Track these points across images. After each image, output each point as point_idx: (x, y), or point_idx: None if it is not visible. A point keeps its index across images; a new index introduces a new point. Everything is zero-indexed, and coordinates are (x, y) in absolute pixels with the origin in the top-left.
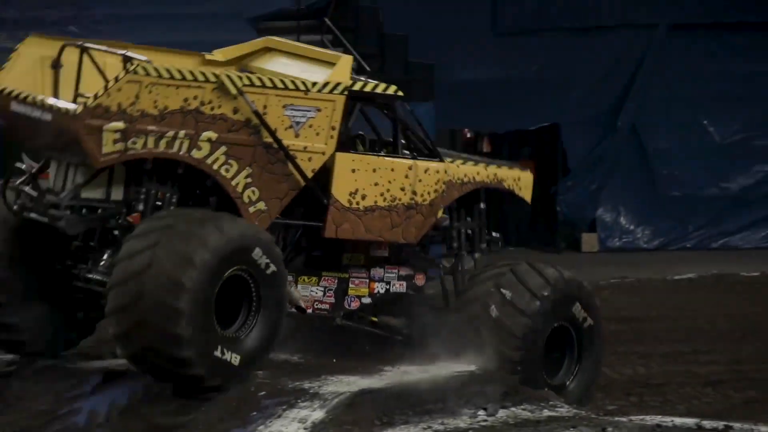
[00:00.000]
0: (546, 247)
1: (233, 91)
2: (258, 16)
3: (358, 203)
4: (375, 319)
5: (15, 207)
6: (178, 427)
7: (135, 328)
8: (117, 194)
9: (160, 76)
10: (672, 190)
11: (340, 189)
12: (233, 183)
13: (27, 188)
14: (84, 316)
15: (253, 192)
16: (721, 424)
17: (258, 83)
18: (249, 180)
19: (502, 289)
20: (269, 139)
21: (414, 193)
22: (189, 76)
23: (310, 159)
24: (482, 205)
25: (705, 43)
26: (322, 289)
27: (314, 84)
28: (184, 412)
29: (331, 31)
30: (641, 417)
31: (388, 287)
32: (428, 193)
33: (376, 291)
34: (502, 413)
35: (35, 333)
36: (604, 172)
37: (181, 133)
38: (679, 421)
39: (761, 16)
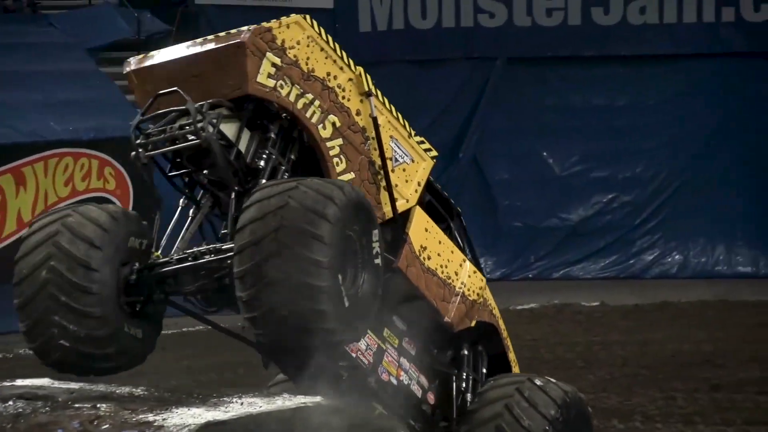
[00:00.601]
0: None
1: (365, 88)
2: (98, 47)
3: (424, 259)
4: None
5: (147, 146)
6: None
7: (269, 285)
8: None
9: (320, 34)
10: (513, 221)
11: (415, 237)
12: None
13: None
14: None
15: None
16: None
17: (381, 99)
18: (339, 168)
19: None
20: (375, 157)
21: (463, 284)
22: (339, 52)
23: (398, 198)
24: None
25: (542, 76)
26: (366, 343)
27: (414, 134)
28: None
29: None
30: None
31: (408, 384)
32: (473, 292)
33: (401, 379)
34: None
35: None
36: None
37: (317, 102)
38: None
39: (597, 50)
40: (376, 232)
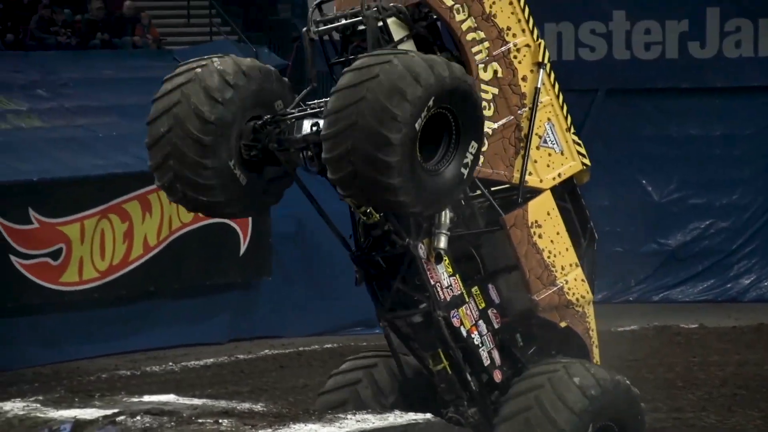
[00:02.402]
0: None
1: (540, 58)
2: None
3: (534, 233)
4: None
5: (319, 24)
6: None
7: (346, 154)
8: None
9: None
10: (614, 246)
11: (533, 210)
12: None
13: None
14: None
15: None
16: None
17: (551, 81)
18: (487, 134)
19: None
20: (525, 126)
21: (566, 281)
22: (526, 15)
23: (531, 173)
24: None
25: (641, 107)
26: (449, 282)
27: (574, 132)
28: None
29: None
30: None
31: (479, 346)
32: (573, 294)
33: (473, 336)
34: None
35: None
36: None
37: (486, 44)
38: None
39: (693, 82)
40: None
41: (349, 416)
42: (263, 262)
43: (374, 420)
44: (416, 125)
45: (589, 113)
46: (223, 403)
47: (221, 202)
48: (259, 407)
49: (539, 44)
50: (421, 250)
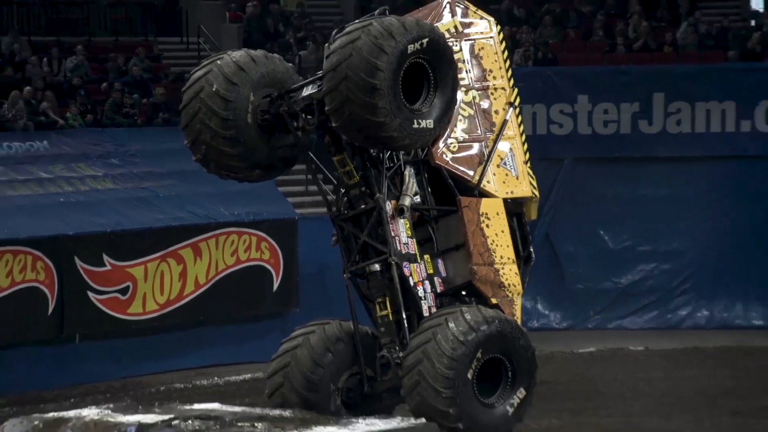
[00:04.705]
0: None
1: (511, 99)
2: None
3: (484, 221)
4: None
5: None
6: None
7: (343, 103)
8: None
9: (500, 42)
10: (577, 284)
11: (486, 204)
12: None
13: None
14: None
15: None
16: None
17: (518, 121)
18: (460, 138)
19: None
20: (490, 144)
21: (503, 267)
22: (506, 64)
23: (488, 182)
24: None
25: (601, 173)
26: (407, 240)
27: (531, 169)
28: None
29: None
30: None
31: (422, 297)
32: (507, 280)
33: (418, 288)
34: None
35: (250, 160)
36: None
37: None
38: None
39: (644, 152)
40: (433, 41)
41: (360, 420)
42: (291, 296)
43: (381, 424)
44: (397, 72)
45: (558, 178)
46: (258, 410)
47: (245, 166)
48: (287, 413)
49: (512, 87)
50: (389, 207)
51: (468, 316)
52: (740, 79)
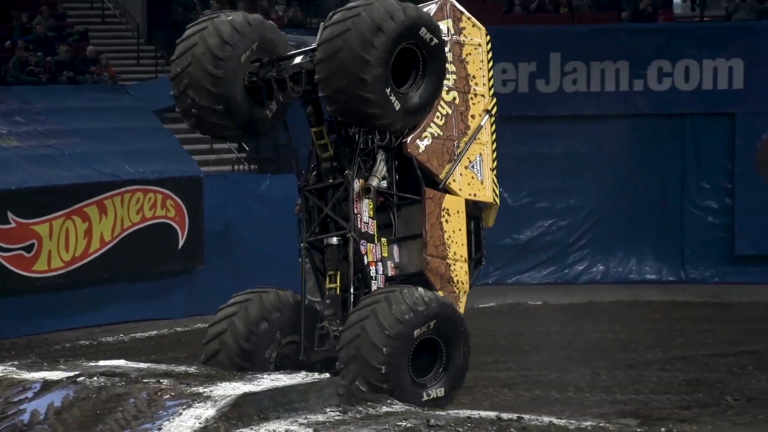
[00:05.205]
0: None
1: (488, 107)
2: (162, 109)
3: (444, 216)
4: None
5: None
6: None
7: (334, 73)
8: None
9: (488, 52)
10: None
11: (448, 201)
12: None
13: None
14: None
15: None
16: (514, 416)
17: (491, 129)
18: (434, 135)
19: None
20: (461, 147)
21: (455, 263)
22: (490, 74)
23: (454, 180)
24: None
25: (499, 131)
26: (368, 220)
27: (496, 176)
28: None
29: None
30: (456, 411)
31: (373, 278)
32: (457, 276)
33: (370, 268)
34: (350, 409)
35: (234, 120)
36: None
37: (454, 77)
38: (484, 414)
39: (540, 111)
40: (423, 29)
41: (265, 376)
42: (197, 254)
43: (285, 379)
44: (390, 53)
45: None
46: (164, 367)
47: (226, 125)
48: (193, 370)
49: (492, 96)
50: (356, 185)
51: (407, 296)
52: (633, 40)
